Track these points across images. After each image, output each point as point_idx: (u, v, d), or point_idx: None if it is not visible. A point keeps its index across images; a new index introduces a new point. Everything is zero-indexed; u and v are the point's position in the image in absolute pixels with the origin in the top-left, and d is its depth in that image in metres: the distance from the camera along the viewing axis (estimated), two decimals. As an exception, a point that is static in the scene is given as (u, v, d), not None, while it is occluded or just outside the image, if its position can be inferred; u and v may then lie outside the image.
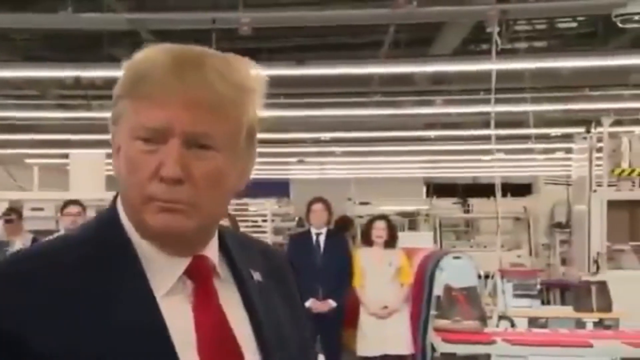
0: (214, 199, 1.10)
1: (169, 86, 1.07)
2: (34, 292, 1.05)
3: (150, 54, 1.11)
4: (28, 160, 15.49)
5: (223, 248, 1.19)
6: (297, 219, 15.01)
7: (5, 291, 1.06)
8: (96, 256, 1.10)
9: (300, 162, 18.24)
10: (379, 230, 6.88)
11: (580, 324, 6.62)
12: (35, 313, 1.04)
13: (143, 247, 1.12)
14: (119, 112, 1.11)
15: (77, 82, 9.82)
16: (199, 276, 1.14)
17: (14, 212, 8.06)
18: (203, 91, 1.07)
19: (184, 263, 1.13)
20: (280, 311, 1.22)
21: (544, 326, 6.67)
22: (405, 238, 8.39)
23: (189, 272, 1.13)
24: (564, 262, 11.45)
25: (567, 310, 7.06)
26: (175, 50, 1.12)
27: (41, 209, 9.62)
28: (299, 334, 1.25)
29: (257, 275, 1.22)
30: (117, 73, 1.15)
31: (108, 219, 1.15)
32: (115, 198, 1.16)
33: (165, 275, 1.11)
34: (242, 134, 1.13)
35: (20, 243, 7.09)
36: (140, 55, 1.12)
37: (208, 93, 1.08)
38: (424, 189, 21.20)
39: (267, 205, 14.86)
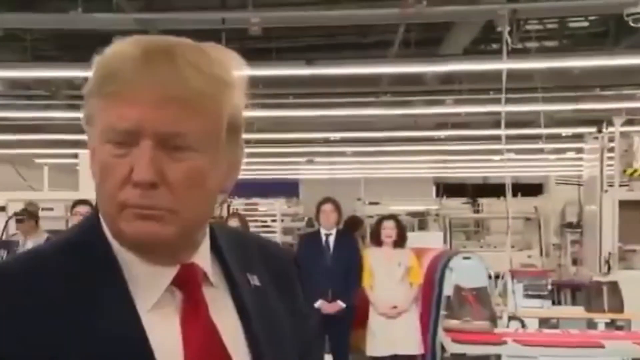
0: (195, 202, 1.02)
1: (138, 83, 0.98)
2: (8, 300, 1.00)
3: (120, 47, 1.03)
4: (38, 160, 15.50)
5: (215, 250, 1.12)
6: (306, 219, 15.03)
7: None
8: (76, 266, 1.03)
9: (310, 162, 18.21)
10: (388, 230, 6.87)
11: (591, 325, 6.58)
12: (9, 323, 0.98)
13: (125, 256, 1.05)
14: (90, 112, 1.04)
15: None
16: (187, 286, 1.06)
17: (25, 212, 8.11)
18: (175, 86, 0.98)
19: (170, 273, 1.05)
20: (279, 314, 1.16)
21: (555, 327, 6.64)
22: (415, 238, 8.37)
23: (176, 282, 1.05)
24: (575, 262, 11.40)
25: (579, 311, 7.03)
26: (145, 42, 1.02)
27: (51, 209, 9.66)
28: (302, 335, 1.20)
29: (254, 279, 1.15)
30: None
31: (90, 226, 1.09)
32: (97, 203, 1.09)
33: (150, 287, 1.04)
34: (222, 130, 1.03)
35: (32, 242, 7.11)
36: (109, 50, 1.03)
37: (181, 88, 0.98)
38: (434, 189, 21.17)
39: (276, 205, 14.89)
